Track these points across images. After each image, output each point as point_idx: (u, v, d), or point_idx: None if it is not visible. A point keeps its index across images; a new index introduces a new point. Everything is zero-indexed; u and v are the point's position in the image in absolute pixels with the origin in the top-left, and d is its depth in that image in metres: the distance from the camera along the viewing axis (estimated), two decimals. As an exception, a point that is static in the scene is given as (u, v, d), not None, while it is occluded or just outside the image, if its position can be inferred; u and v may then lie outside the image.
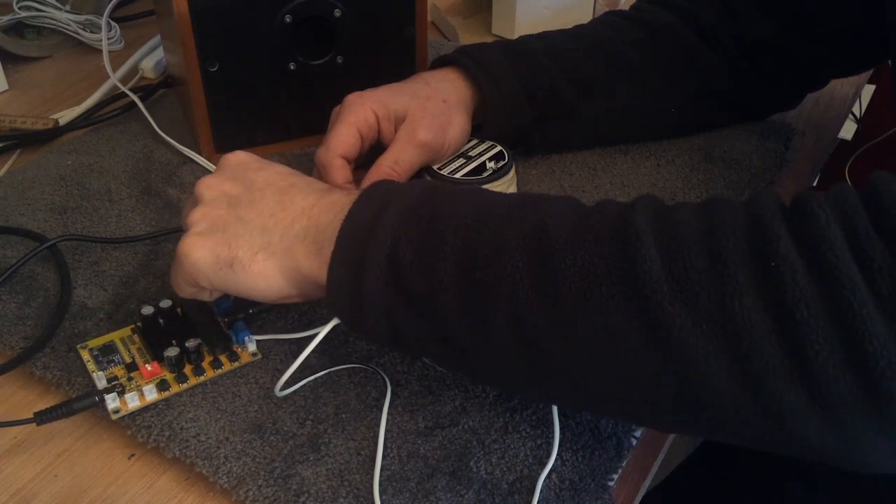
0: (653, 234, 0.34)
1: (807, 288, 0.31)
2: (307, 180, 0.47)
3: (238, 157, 0.49)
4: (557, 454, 0.45)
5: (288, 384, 0.48)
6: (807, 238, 0.32)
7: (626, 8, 0.72)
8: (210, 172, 0.66)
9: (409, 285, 0.39)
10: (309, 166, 0.65)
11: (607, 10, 0.77)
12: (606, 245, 0.35)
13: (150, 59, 0.82)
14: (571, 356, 0.36)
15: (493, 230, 0.38)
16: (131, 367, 0.49)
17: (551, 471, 0.44)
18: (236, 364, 0.49)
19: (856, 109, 1.54)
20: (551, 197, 0.40)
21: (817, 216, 0.32)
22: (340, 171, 0.57)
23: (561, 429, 0.46)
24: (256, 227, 0.44)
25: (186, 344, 0.48)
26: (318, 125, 0.60)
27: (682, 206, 0.36)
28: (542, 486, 0.43)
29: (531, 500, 0.42)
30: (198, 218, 0.46)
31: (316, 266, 0.42)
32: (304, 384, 0.48)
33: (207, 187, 0.47)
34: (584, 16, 0.91)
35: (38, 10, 0.87)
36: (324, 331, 0.46)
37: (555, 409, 0.46)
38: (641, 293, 0.33)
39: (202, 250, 0.44)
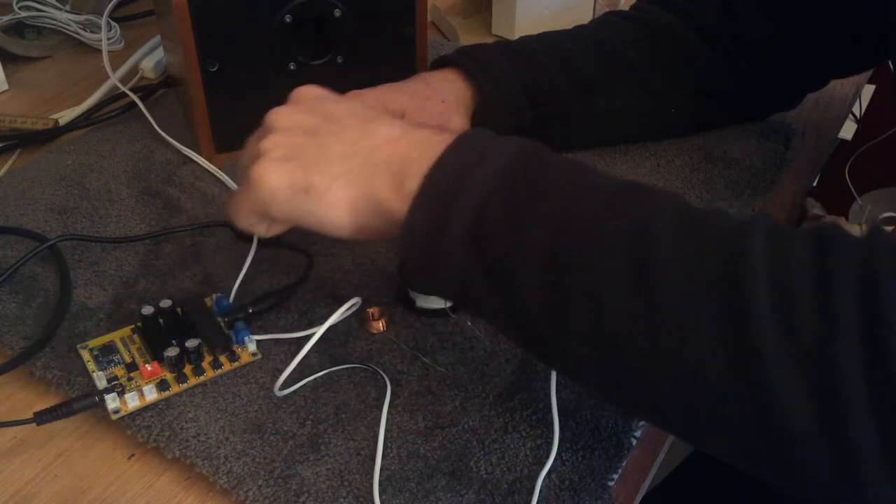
0: (765, 262, 0.32)
1: None
2: (391, 117, 0.45)
3: (313, 91, 0.47)
4: (557, 454, 0.45)
5: (288, 384, 0.48)
6: None
7: (626, 8, 0.72)
8: (210, 172, 0.66)
9: (491, 247, 0.37)
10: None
11: (607, 10, 0.77)
12: (714, 263, 0.33)
13: (150, 59, 0.82)
14: (648, 366, 0.34)
15: (592, 214, 0.36)
16: (131, 366, 0.49)
17: (550, 470, 0.44)
18: (236, 364, 0.49)
19: (856, 109, 1.53)
20: (659, 191, 0.37)
21: None
22: None
23: (560, 429, 0.46)
24: (336, 154, 0.42)
25: (186, 344, 0.48)
26: (318, 125, 0.60)
27: (795, 236, 0.34)
28: (542, 485, 0.43)
29: (531, 500, 0.42)
30: (271, 145, 0.43)
31: (396, 200, 0.40)
32: (304, 384, 0.48)
33: (281, 116, 0.45)
34: (584, 16, 0.91)
35: (38, 10, 0.87)
36: (322, 328, 0.46)
37: (554, 409, 0.46)
38: (743, 326, 0.32)
39: (278, 174, 0.42)
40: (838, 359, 0.30)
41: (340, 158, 0.42)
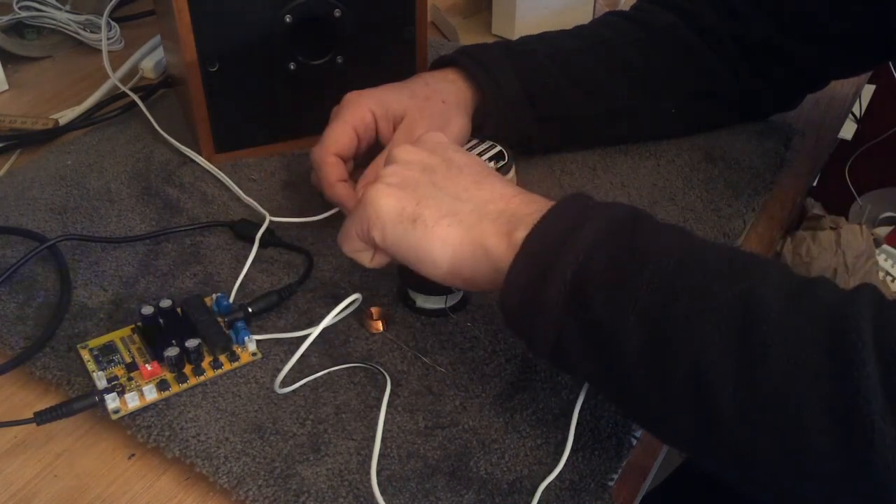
0: (874, 338, 0.32)
1: None
2: (506, 180, 0.46)
3: (439, 137, 0.48)
4: (566, 461, 0.45)
5: (288, 383, 0.48)
6: None
7: (626, 8, 0.72)
8: (210, 172, 0.66)
9: (591, 308, 0.37)
10: (309, 166, 0.65)
11: (607, 10, 0.77)
12: (822, 337, 0.32)
13: (150, 59, 0.82)
14: (751, 437, 0.34)
15: (697, 281, 0.36)
16: (131, 366, 0.49)
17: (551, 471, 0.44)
18: (236, 364, 0.49)
19: (856, 109, 1.54)
20: (765, 260, 0.37)
21: None
22: (334, 168, 0.57)
23: (560, 429, 0.46)
24: (449, 194, 0.43)
25: (186, 344, 0.48)
26: (319, 125, 0.60)
27: None
28: (543, 488, 0.43)
29: (531, 501, 0.42)
30: (390, 172, 0.45)
31: (502, 247, 0.41)
32: (304, 384, 0.48)
33: (405, 151, 0.46)
34: (584, 16, 0.91)
35: (38, 10, 0.87)
36: (323, 324, 0.46)
37: (573, 426, 0.45)
38: (851, 399, 0.31)
39: (390, 199, 0.43)
40: None
41: (453, 199, 0.43)
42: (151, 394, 0.47)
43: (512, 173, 0.61)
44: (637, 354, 0.37)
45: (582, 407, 0.47)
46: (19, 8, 0.86)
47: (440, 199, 0.43)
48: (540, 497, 0.43)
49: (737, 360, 0.34)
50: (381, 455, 0.44)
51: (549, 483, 0.43)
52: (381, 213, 0.44)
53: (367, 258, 0.48)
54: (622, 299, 0.37)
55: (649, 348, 0.36)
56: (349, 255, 0.48)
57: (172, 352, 0.47)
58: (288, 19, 0.63)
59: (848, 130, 1.57)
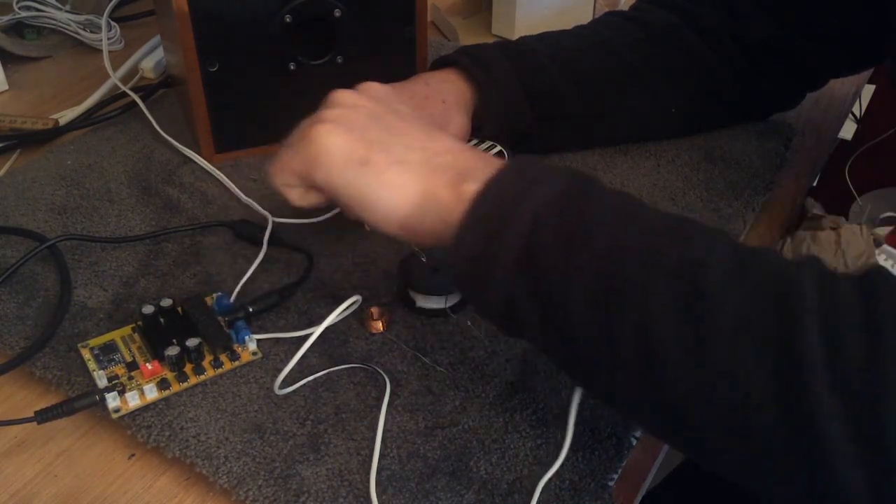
0: (818, 306, 0.32)
1: None
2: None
3: (381, 86, 0.46)
4: (563, 459, 0.45)
5: (288, 383, 0.48)
6: None
7: (626, 8, 0.72)
8: (210, 172, 0.66)
9: (541, 270, 0.37)
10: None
11: (607, 10, 0.77)
12: (768, 301, 0.33)
13: (150, 59, 0.82)
14: (696, 396, 0.34)
15: (645, 243, 0.36)
16: (132, 366, 0.49)
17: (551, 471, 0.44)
18: (237, 363, 0.49)
19: (856, 109, 1.54)
20: (712, 229, 0.37)
21: None
22: None
23: (560, 429, 0.46)
24: (399, 143, 0.42)
25: (187, 343, 0.48)
26: (319, 125, 0.60)
27: (844, 278, 0.33)
28: (542, 485, 0.43)
29: (531, 501, 0.42)
30: (335, 114, 0.43)
31: (452, 198, 0.40)
32: (304, 384, 0.48)
33: (347, 95, 0.45)
34: (584, 16, 0.91)
35: (38, 10, 0.87)
36: (323, 325, 0.46)
37: (571, 423, 0.45)
38: (795, 367, 0.31)
39: (339, 138, 0.42)
40: (881, 405, 0.30)
41: (403, 148, 0.42)
42: (152, 393, 0.47)
43: (512, 173, 0.61)
44: (586, 318, 0.36)
45: (581, 407, 0.47)
46: (19, 8, 0.86)
47: (391, 145, 0.42)
48: (540, 497, 0.43)
49: (683, 324, 0.34)
50: (381, 455, 0.44)
51: (550, 483, 0.43)
52: (330, 152, 0.42)
53: (296, 195, 0.46)
54: (571, 263, 0.36)
55: (597, 309, 0.36)
56: (278, 188, 0.46)
57: (173, 351, 0.48)
58: (288, 19, 0.63)
59: (848, 130, 1.57)
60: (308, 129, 0.43)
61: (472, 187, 0.39)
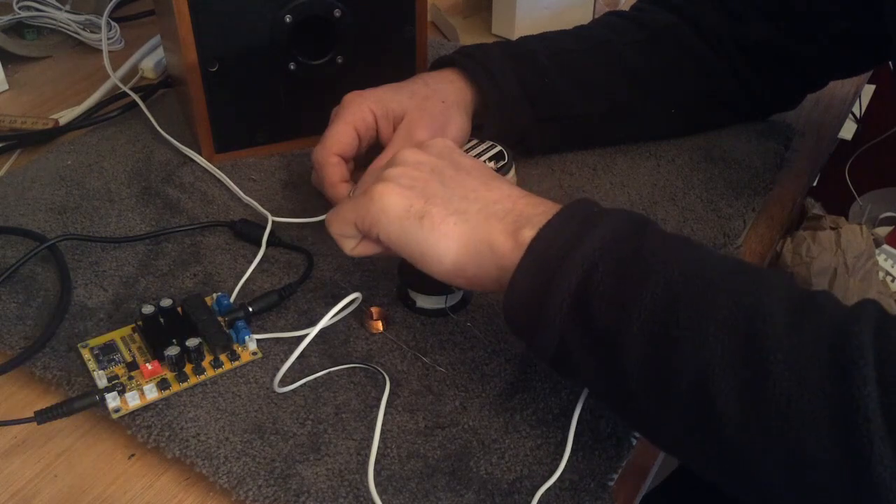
0: (875, 357, 0.32)
1: None
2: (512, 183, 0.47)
3: (446, 142, 0.49)
4: (566, 463, 0.45)
5: (288, 383, 0.48)
6: None
7: (626, 8, 0.72)
8: (210, 172, 0.66)
9: (595, 317, 0.38)
10: (309, 166, 0.65)
11: (607, 10, 0.77)
12: (824, 354, 0.33)
13: (150, 59, 0.82)
14: (752, 449, 0.34)
15: (702, 291, 0.36)
16: (132, 366, 0.49)
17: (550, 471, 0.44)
18: (237, 363, 0.49)
19: (856, 109, 1.54)
20: (769, 272, 0.37)
21: None
22: (336, 168, 0.57)
23: (560, 429, 0.46)
24: (457, 194, 0.44)
25: (187, 343, 0.48)
26: (319, 125, 0.60)
27: None
28: (542, 492, 0.43)
29: (531, 501, 0.42)
30: (397, 173, 0.45)
31: (508, 245, 0.41)
32: (304, 384, 0.48)
33: (413, 154, 0.47)
34: (584, 16, 0.91)
35: (38, 10, 0.87)
36: (324, 321, 0.46)
37: (572, 428, 0.45)
38: (852, 418, 0.31)
39: (397, 196, 0.44)
40: None
41: (460, 199, 0.44)
42: (152, 393, 0.47)
43: (512, 173, 0.61)
44: (639, 364, 0.37)
45: (582, 407, 0.47)
46: (19, 8, 0.86)
47: (448, 197, 0.44)
48: (540, 497, 0.43)
49: (740, 374, 0.34)
50: (381, 455, 0.44)
51: (549, 483, 0.43)
52: (388, 210, 0.44)
53: (350, 245, 0.48)
54: (626, 308, 0.37)
55: (652, 358, 0.36)
56: (333, 234, 0.48)
57: (173, 351, 0.48)
58: (288, 19, 0.63)
59: (848, 130, 1.57)
60: (371, 186, 0.45)
61: (528, 233, 0.41)
